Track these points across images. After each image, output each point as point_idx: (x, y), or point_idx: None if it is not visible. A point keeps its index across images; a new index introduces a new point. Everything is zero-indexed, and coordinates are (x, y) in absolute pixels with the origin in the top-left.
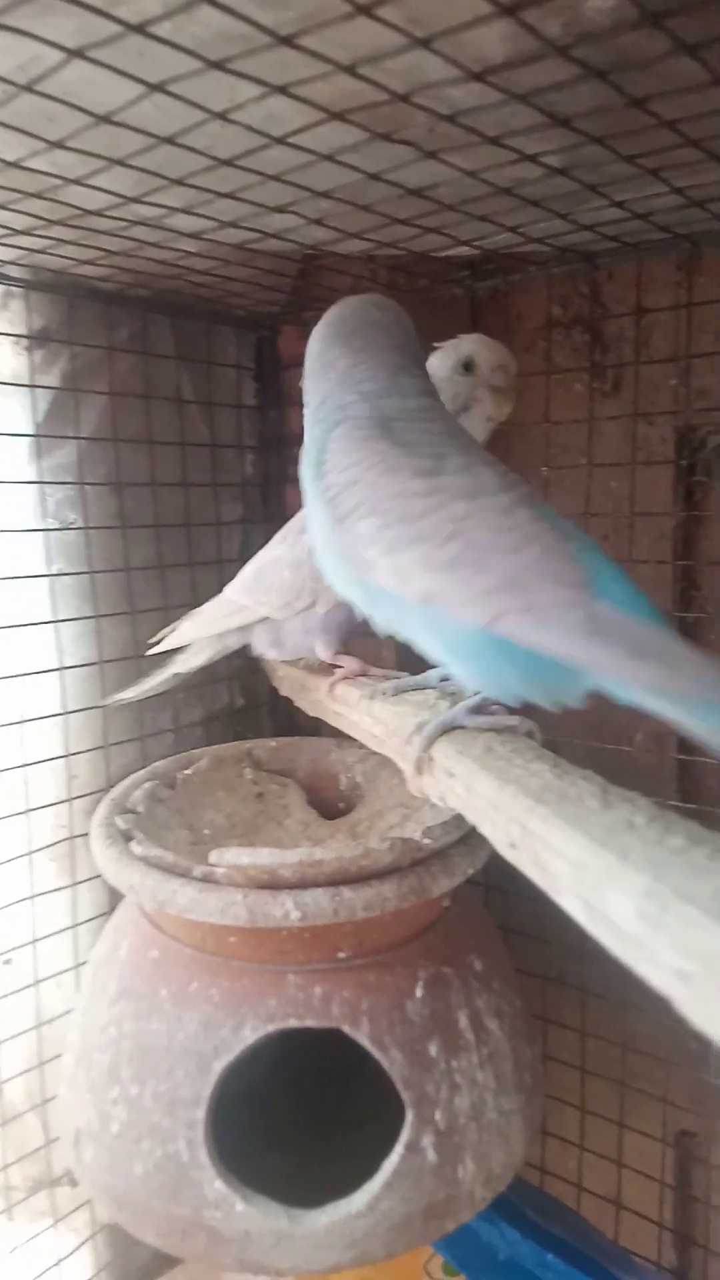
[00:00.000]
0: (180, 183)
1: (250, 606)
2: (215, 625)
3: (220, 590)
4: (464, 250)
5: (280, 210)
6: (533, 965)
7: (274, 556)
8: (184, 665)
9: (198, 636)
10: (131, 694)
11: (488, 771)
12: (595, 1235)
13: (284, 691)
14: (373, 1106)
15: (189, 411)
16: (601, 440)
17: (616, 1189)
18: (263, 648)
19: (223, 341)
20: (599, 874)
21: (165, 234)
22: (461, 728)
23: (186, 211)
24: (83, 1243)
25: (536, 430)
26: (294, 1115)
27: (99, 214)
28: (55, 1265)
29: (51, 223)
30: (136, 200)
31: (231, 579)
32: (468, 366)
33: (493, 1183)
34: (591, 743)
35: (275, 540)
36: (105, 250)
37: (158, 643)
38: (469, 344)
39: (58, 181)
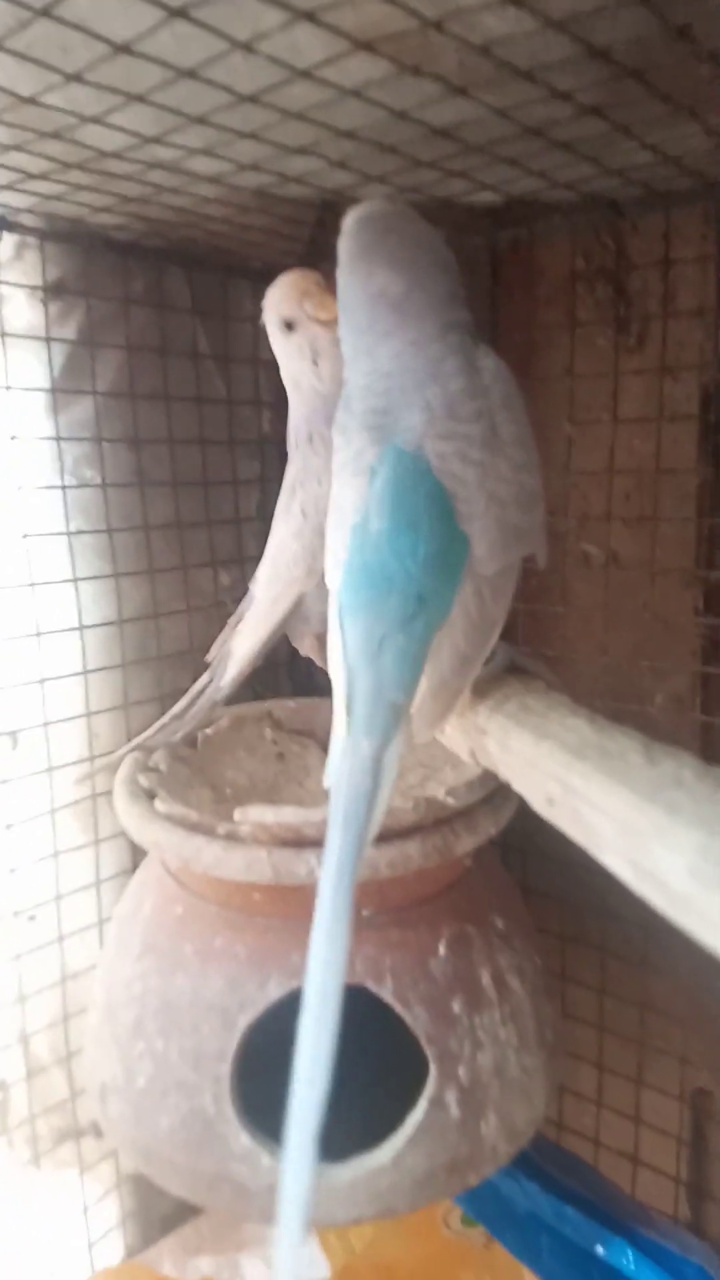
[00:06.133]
0: (200, 121)
1: (282, 592)
2: (261, 628)
3: (238, 548)
4: (487, 196)
5: (301, 152)
6: (551, 924)
7: (277, 540)
8: (238, 673)
9: (254, 649)
10: (190, 721)
11: (523, 728)
12: (612, 1190)
13: (304, 652)
14: (395, 1063)
15: (205, 366)
16: (625, 396)
17: (633, 1144)
18: (295, 625)
19: (239, 294)
20: (647, 831)
21: (184, 178)
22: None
23: (206, 153)
24: (107, 1192)
25: (559, 385)
26: None
27: (116, 156)
28: (82, 1213)
29: (68, 166)
30: (155, 140)
31: (249, 538)
32: (288, 325)
33: (515, 1138)
34: (612, 704)
35: (274, 525)
36: (122, 196)
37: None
38: (268, 310)
39: (74, 120)
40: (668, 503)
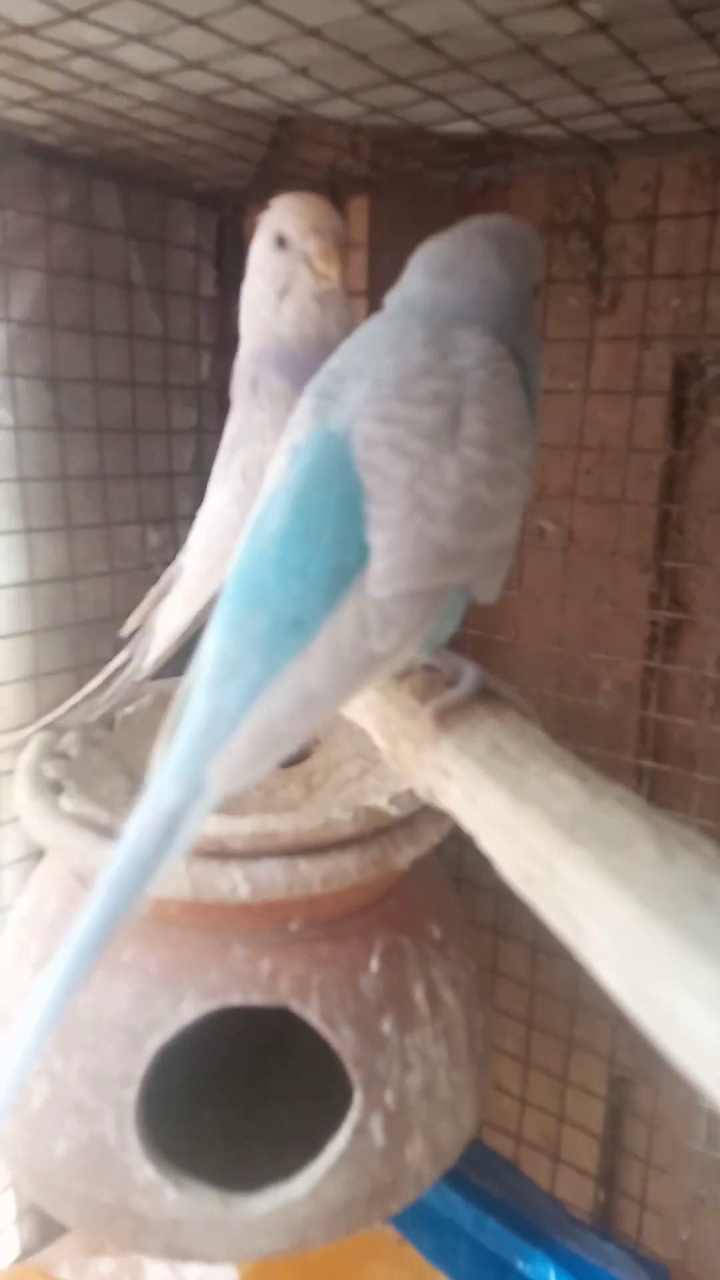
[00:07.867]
0: None
1: (217, 565)
2: (191, 604)
3: (170, 506)
4: (466, 126)
5: (257, 50)
6: (483, 917)
7: (213, 505)
8: (163, 652)
9: (181, 626)
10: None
11: (496, 780)
12: (532, 1192)
13: None
14: (321, 1081)
15: (138, 299)
16: (595, 364)
17: (556, 1141)
18: None
19: (180, 219)
20: (664, 964)
21: (116, 73)
22: (466, 713)
23: (142, 41)
24: (2, 1190)
25: None
26: (232, 1087)
27: (31, 33)
28: None
29: None
30: (78, 16)
31: (183, 494)
32: (280, 241)
33: (441, 1160)
34: (559, 695)
35: (210, 486)
36: (43, 89)
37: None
38: (275, 214)
39: None
40: (630, 482)
